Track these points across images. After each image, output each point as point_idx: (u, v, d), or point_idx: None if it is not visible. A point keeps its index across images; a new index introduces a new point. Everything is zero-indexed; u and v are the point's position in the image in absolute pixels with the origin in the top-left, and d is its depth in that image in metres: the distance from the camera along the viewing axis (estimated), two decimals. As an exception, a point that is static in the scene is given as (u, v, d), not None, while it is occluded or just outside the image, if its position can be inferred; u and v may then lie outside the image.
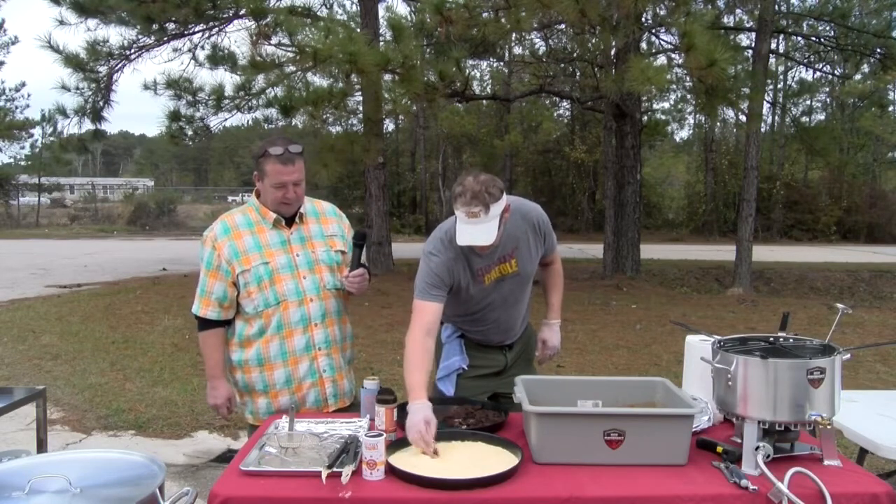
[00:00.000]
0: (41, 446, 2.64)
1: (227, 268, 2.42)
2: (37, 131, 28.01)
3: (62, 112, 12.18)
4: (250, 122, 16.11)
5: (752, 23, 13.78)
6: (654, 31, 13.24)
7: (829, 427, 1.85)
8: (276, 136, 2.49)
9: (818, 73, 20.79)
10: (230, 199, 37.88)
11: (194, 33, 11.89)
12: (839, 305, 2.19)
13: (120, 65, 11.91)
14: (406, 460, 1.87)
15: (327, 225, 2.58)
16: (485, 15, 9.04)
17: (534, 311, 2.74)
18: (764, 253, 16.28)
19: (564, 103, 26.81)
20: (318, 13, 12.32)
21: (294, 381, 2.47)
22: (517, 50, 21.10)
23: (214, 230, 2.48)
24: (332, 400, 2.53)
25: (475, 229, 2.20)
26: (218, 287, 2.44)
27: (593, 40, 15.72)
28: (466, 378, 2.55)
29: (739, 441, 1.92)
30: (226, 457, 4.18)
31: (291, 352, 2.45)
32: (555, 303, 2.76)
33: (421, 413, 1.99)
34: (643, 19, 10.56)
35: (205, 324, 2.49)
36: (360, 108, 12.23)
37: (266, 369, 2.46)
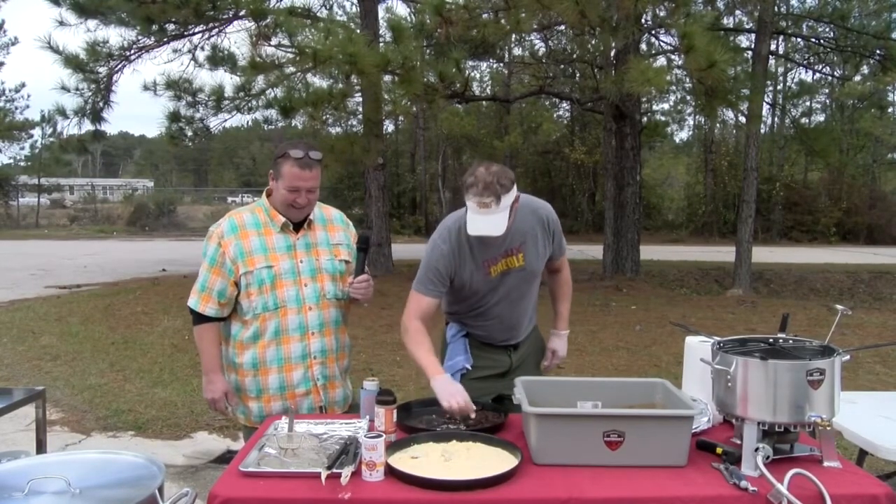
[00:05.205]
0: (40, 447, 2.63)
1: (230, 266, 2.40)
2: (37, 132, 28.12)
3: (62, 113, 12.18)
4: (250, 122, 16.20)
5: (751, 24, 13.78)
6: (653, 32, 13.25)
7: (828, 428, 1.85)
8: (298, 140, 2.45)
9: (818, 75, 20.86)
10: (230, 199, 37.85)
11: (194, 34, 11.90)
12: (839, 307, 2.18)
13: (120, 65, 11.92)
14: (405, 461, 1.87)
15: (334, 233, 2.56)
16: (484, 16, 9.07)
17: (542, 319, 2.74)
18: (763, 254, 16.28)
19: (564, 104, 26.88)
20: (318, 14, 12.34)
21: (288, 387, 2.45)
22: (517, 51, 21.18)
23: (222, 227, 2.46)
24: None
25: (486, 220, 2.21)
26: (220, 284, 2.42)
27: (593, 41, 15.77)
28: (471, 379, 2.54)
29: (739, 442, 1.92)
30: (225, 458, 4.17)
31: (287, 358, 2.44)
32: (563, 312, 2.77)
33: (451, 384, 2.24)
34: (643, 20, 10.55)
35: (200, 318, 2.47)
36: (360, 109, 12.24)
37: (261, 373, 2.45)
